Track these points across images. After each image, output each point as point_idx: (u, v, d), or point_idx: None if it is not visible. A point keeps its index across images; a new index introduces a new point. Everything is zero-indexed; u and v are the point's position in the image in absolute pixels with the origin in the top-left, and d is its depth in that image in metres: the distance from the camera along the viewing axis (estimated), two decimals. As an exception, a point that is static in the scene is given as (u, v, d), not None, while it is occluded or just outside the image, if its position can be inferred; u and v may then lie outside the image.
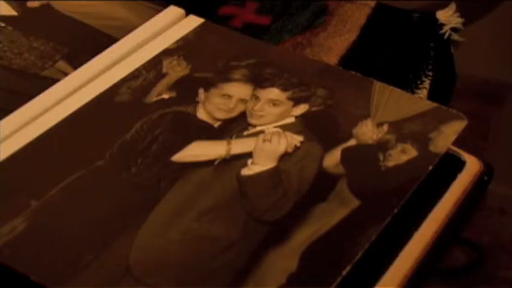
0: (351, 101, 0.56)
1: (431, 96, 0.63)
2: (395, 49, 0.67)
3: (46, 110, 0.55)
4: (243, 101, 0.55)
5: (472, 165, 0.55)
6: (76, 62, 0.59)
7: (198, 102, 0.56)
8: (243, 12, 0.71)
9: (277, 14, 0.71)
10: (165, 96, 0.56)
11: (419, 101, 0.58)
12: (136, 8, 0.65)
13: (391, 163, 0.51)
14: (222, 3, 0.72)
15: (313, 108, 0.55)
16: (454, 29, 0.67)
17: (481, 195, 0.56)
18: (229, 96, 0.56)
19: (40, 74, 0.59)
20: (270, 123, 0.54)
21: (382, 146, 0.52)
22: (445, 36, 0.67)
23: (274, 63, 0.59)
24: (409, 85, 0.64)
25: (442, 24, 0.67)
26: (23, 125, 0.53)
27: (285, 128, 0.53)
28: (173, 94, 0.56)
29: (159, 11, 0.64)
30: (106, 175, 0.50)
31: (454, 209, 0.53)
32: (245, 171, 0.50)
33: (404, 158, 0.51)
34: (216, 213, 0.48)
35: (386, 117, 0.54)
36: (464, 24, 0.67)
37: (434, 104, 0.55)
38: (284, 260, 0.44)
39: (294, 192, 0.49)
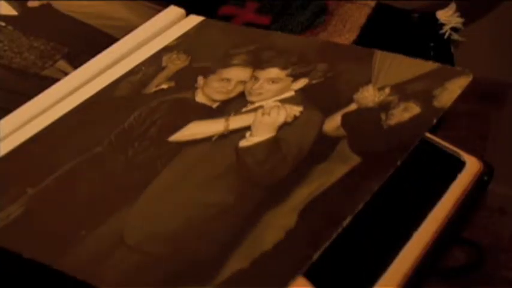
0: (352, 70, 0.54)
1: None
2: (396, 49, 0.67)
3: (46, 110, 0.55)
4: (242, 82, 0.55)
5: (472, 165, 0.55)
6: (76, 61, 0.59)
7: (196, 88, 0.55)
8: (243, 12, 0.71)
9: (277, 14, 0.71)
10: (164, 86, 0.56)
11: (422, 62, 0.55)
12: (136, 7, 0.65)
13: (393, 121, 0.49)
14: (222, 3, 0.72)
15: (313, 81, 0.54)
16: (454, 29, 0.67)
17: (481, 195, 0.56)
18: (228, 80, 0.55)
19: (40, 74, 0.59)
20: (269, 98, 0.53)
21: (384, 107, 0.50)
22: (445, 36, 0.67)
23: (273, 46, 0.58)
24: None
25: (442, 24, 0.67)
26: (23, 124, 0.54)
27: (285, 101, 0.52)
28: (172, 84, 0.56)
29: (160, 11, 0.64)
30: (103, 160, 0.50)
31: (454, 209, 0.52)
32: (243, 143, 0.49)
33: (407, 116, 0.49)
34: (213, 182, 0.47)
35: (389, 81, 0.52)
36: (464, 24, 0.67)
37: (438, 64, 0.54)
38: (283, 218, 0.43)
39: (293, 156, 0.48)
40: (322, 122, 0.50)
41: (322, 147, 0.48)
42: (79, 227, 0.45)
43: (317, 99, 0.52)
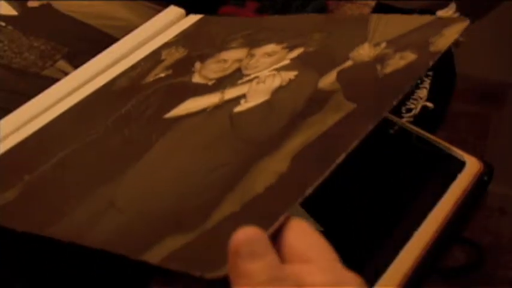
0: (348, 34, 0.53)
1: (431, 96, 0.63)
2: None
3: (46, 110, 0.55)
4: (238, 60, 0.54)
5: (472, 165, 0.55)
6: (76, 61, 0.59)
7: (193, 72, 0.55)
8: (243, 12, 0.71)
9: (277, 14, 0.71)
10: (162, 75, 0.56)
11: (417, 17, 0.53)
12: (136, 7, 0.65)
13: (389, 70, 0.47)
14: (222, 3, 0.72)
15: (310, 49, 0.52)
16: (454, 29, 0.67)
17: (481, 195, 0.56)
18: (225, 61, 0.55)
19: (40, 74, 0.59)
20: (264, 69, 0.52)
21: (379, 60, 0.49)
22: (445, 36, 0.67)
23: (270, 28, 0.57)
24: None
25: (442, 24, 0.67)
26: (23, 124, 0.54)
27: (280, 69, 0.51)
28: (170, 72, 0.56)
29: (160, 11, 0.64)
30: (99, 143, 0.50)
31: (454, 209, 0.52)
32: (237, 109, 0.48)
33: (403, 63, 0.47)
34: (206, 147, 0.46)
35: (384, 37, 0.51)
36: (464, 24, 0.67)
37: (434, 16, 0.52)
38: (275, 164, 0.42)
39: (287, 113, 0.46)
40: (317, 81, 0.48)
41: (317, 101, 0.47)
42: (70, 199, 0.45)
43: (313, 62, 0.51)
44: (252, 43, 0.55)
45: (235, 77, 0.52)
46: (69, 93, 0.56)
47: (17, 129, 0.53)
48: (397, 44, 0.49)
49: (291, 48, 0.53)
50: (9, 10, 0.64)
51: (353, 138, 0.41)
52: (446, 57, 0.67)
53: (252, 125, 0.47)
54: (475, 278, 0.54)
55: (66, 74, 0.59)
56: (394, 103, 0.44)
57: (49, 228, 0.43)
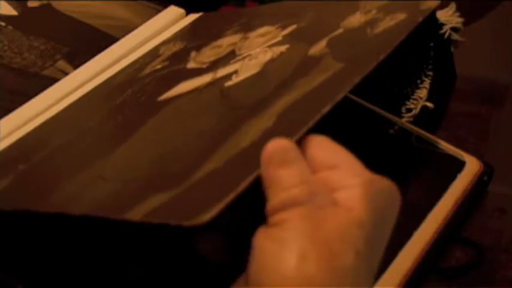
0: (340, 9, 0.53)
1: (431, 96, 0.63)
2: (395, 48, 0.67)
3: (46, 110, 0.55)
4: (232, 44, 0.54)
5: (472, 165, 0.55)
6: (76, 61, 0.60)
7: (189, 60, 0.55)
8: (243, 12, 0.71)
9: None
10: (158, 66, 0.56)
11: None
12: (136, 7, 0.65)
13: (378, 30, 0.47)
14: (222, 3, 0.72)
15: (302, 24, 0.52)
16: (454, 29, 0.67)
17: (481, 195, 0.56)
18: (220, 46, 0.54)
19: (40, 74, 0.59)
20: (257, 48, 0.51)
21: (370, 23, 0.48)
22: (445, 36, 0.67)
23: (264, 14, 0.57)
24: (409, 85, 0.64)
25: (442, 24, 0.67)
26: (23, 124, 0.54)
27: (272, 45, 0.51)
28: (166, 63, 0.56)
29: (159, 11, 0.64)
30: (94, 131, 0.50)
31: (454, 209, 0.53)
32: (228, 83, 0.48)
33: (392, 23, 0.47)
34: (196, 118, 0.46)
35: (375, 5, 0.50)
36: (464, 24, 0.67)
37: None
38: (262, 123, 0.42)
39: (277, 79, 0.46)
40: (308, 50, 0.48)
41: (306, 66, 0.46)
42: (61, 179, 0.45)
43: (304, 35, 0.51)
44: (247, 28, 0.55)
45: (228, 58, 0.52)
46: (69, 93, 0.57)
47: (17, 128, 0.53)
48: (388, 8, 0.49)
49: (284, 27, 0.53)
50: (9, 10, 0.64)
51: (339, 91, 0.41)
52: (446, 57, 0.67)
53: (242, 93, 0.47)
54: (475, 278, 0.53)
55: (66, 74, 0.59)
56: (382, 57, 0.43)
57: (37, 204, 0.43)
